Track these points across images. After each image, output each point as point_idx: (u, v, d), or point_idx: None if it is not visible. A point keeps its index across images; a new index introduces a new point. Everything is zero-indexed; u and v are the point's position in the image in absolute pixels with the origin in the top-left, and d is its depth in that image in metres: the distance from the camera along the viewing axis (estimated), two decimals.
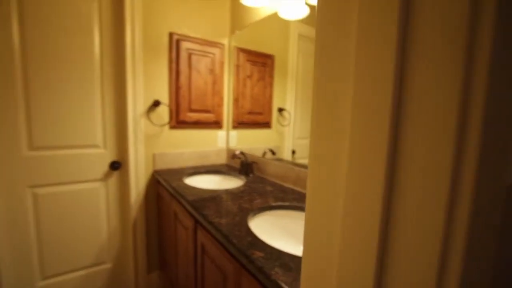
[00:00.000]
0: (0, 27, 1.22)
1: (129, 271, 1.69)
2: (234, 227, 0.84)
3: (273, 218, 1.05)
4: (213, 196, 1.15)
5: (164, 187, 1.50)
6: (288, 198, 1.14)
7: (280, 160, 1.48)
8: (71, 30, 1.39)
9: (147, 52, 1.56)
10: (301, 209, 1.05)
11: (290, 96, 1.50)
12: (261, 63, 1.72)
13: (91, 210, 1.55)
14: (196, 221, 1.06)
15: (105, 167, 1.56)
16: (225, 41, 1.86)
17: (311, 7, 1.26)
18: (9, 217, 1.33)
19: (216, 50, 1.81)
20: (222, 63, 1.84)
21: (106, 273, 1.65)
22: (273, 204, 1.07)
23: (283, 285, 0.56)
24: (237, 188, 1.29)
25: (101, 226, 1.60)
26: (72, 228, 1.51)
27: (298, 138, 1.46)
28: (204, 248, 0.98)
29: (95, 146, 1.52)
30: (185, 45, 1.67)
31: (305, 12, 1.30)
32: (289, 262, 0.65)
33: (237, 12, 1.79)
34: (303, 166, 1.30)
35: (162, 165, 1.68)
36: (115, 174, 1.61)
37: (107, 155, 1.56)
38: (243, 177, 1.54)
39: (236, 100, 1.87)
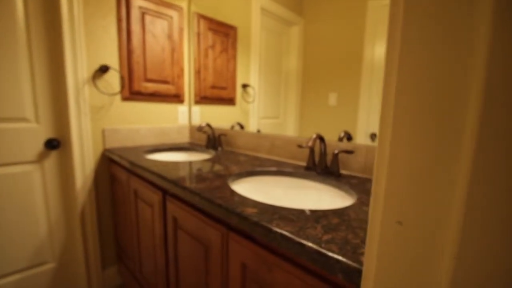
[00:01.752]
0: None
1: (79, 269, 1.44)
2: (215, 190, 0.72)
3: (255, 184, 0.96)
4: (182, 166, 1.00)
5: (119, 165, 1.29)
6: (266, 165, 1.06)
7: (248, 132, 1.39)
8: None
9: (89, 6, 1.29)
10: (283, 174, 0.98)
11: (253, 72, 1.42)
12: (223, 33, 1.58)
13: (22, 200, 1.25)
14: (165, 192, 0.91)
15: (39, 146, 1.27)
16: (183, 4, 1.66)
17: None
18: None
19: (173, 13, 1.60)
20: (181, 29, 1.65)
21: (50, 274, 1.37)
22: (252, 170, 0.98)
23: (288, 234, 0.48)
24: (207, 160, 1.16)
25: (38, 219, 1.31)
26: None
27: (263, 118, 1.39)
28: (177, 222, 0.85)
29: (23, 119, 1.22)
30: (136, 2, 1.43)
31: None
32: (288, 215, 0.57)
33: None
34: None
35: (114, 143, 1.44)
36: (53, 154, 1.32)
37: (41, 131, 1.27)
38: (211, 151, 1.41)
39: (198, 72, 1.71)
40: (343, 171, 0.98)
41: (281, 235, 0.49)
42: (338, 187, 0.84)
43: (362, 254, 0.43)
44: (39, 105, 1.25)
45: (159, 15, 1.53)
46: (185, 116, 1.76)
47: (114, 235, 1.51)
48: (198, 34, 1.67)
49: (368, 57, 0.94)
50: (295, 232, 0.49)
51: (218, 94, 1.62)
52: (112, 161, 1.40)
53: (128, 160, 1.11)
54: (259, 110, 1.38)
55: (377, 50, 0.92)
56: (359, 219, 0.56)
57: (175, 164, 1.03)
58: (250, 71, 1.42)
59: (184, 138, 1.77)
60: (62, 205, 1.38)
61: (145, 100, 1.54)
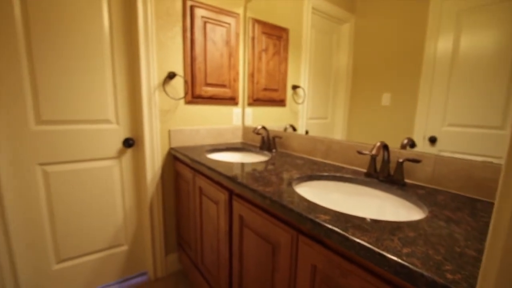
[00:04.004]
0: None
1: (147, 253, 1.63)
2: (282, 194, 0.77)
3: (317, 189, 0.98)
4: (244, 168, 1.07)
5: (184, 163, 1.42)
6: (324, 169, 1.08)
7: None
8: None
9: (160, 19, 1.44)
10: (343, 179, 0.99)
11: (304, 73, 1.43)
12: (276, 36, 1.62)
13: (105, 189, 1.46)
14: (231, 193, 0.99)
15: (118, 144, 1.47)
16: (240, 11, 1.74)
17: None
18: (20, 196, 1.24)
19: (231, 20, 1.69)
20: (237, 35, 1.73)
21: (124, 255, 1.58)
22: (313, 174, 1.00)
23: (368, 245, 0.50)
24: (266, 162, 1.22)
25: (116, 207, 1.52)
26: (86, 208, 1.42)
27: (311, 118, 1.39)
28: (243, 220, 0.92)
29: (107, 121, 1.42)
30: (199, 12, 1.54)
31: None
32: (362, 224, 0.59)
33: None
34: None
35: (178, 143, 1.59)
36: (129, 151, 1.51)
37: (121, 131, 1.46)
38: (266, 152, 1.47)
39: (251, 75, 1.78)
40: (407, 180, 0.95)
41: (360, 244, 0.51)
42: (404, 197, 0.83)
43: (447, 271, 0.43)
44: (119, 109, 1.44)
45: (218, 22, 1.63)
46: (239, 117, 1.85)
47: (176, 225, 1.67)
48: (253, 38, 1.74)
49: (430, 53, 0.89)
50: (373, 242, 0.51)
51: (270, 96, 1.67)
52: (176, 159, 1.55)
53: (194, 159, 1.23)
54: (308, 111, 1.40)
55: (441, 46, 0.86)
56: (437, 234, 0.55)
57: (240, 166, 1.11)
58: (300, 72, 1.44)
59: (237, 138, 1.86)
60: (135, 196, 1.57)
61: (205, 103, 1.66)
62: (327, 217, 0.62)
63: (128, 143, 1.46)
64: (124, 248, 1.58)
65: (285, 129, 1.54)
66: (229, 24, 1.68)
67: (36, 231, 1.30)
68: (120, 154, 1.48)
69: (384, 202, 0.88)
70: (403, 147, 0.98)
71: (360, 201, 0.93)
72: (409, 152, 0.95)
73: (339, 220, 0.60)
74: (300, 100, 1.44)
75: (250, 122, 1.83)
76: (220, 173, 1.01)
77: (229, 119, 1.80)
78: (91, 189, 1.42)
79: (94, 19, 1.31)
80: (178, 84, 1.54)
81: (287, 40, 1.54)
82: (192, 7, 1.52)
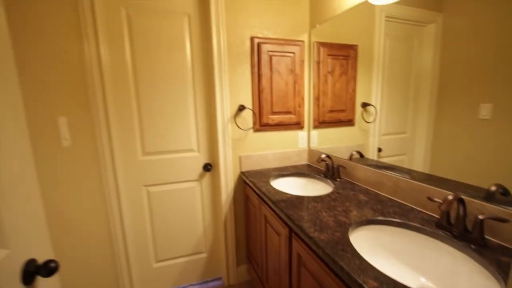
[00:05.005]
0: (117, 48, 1.46)
1: (222, 262, 1.87)
2: (336, 245, 0.80)
3: (374, 235, 0.97)
4: (305, 204, 1.13)
5: (252, 189, 1.57)
6: (388, 211, 1.04)
7: (369, 160, 1.35)
8: (168, 45, 1.55)
9: (231, 59, 1.63)
10: (405, 226, 0.94)
11: (376, 89, 1.35)
12: (343, 56, 1.59)
13: (190, 206, 1.76)
14: (291, 230, 1.07)
15: (199, 168, 1.74)
16: (304, 38, 1.78)
17: None
18: (132, 210, 1.63)
19: (295, 49, 1.75)
20: (302, 62, 1.78)
21: (203, 261, 1.86)
22: (373, 218, 0.98)
23: None
24: (328, 196, 1.24)
25: (198, 220, 1.80)
26: (176, 221, 1.74)
27: (384, 135, 1.31)
28: (301, 259, 0.98)
29: (191, 150, 1.70)
30: (265, 47, 1.67)
31: None
32: None
33: (317, 6, 1.69)
34: (401, 171, 1.15)
35: (247, 167, 1.76)
36: (208, 175, 1.77)
37: (201, 158, 1.73)
38: (329, 181, 1.48)
39: (317, 99, 1.80)
40: (490, 237, 0.83)
41: None
42: (481, 262, 0.73)
43: None
44: (200, 139, 1.71)
45: (283, 54, 1.72)
46: (304, 140, 1.90)
47: (246, 241, 1.85)
48: (318, 62, 1.75)
49: None
50: None
51: (336, 117, 1.66)
52: (246, 182, 1.72)
53: (260, 190, 1.35)
54: (381, 127, 1.32)
55: None
56: None
57: (300, 201, 1.18)
58: (371, 88, 1.38)
59: (303, 160, 1.91)
60: (212, 212, 1.82)
61: (271, 129, 1.79)
62: (375, 284, 0.63)
63: (207, 168, 1.71)
64: (204, 255, 1.86)
65: (351, 156, 1.51)
66: (293, 53, 1.75)
67: (142, 235, 1.68)
68: (200, 177, 1.75)
69: (456, 263, 0.80)
70: (491, 194, 0.85)
71: (426, 257, 0.86)
72: (495, 207, 0.82)
73: None
74: (371, 118, 1.38)
75: (315, 144, 1.85)
76: (281, 210, 1.10)
77: (294, 142, 1.88)
78: (179, 205, 1.74)
79: (180, 60, 1.60)
80: (247, 115, 1.71)
81: (355, 57, 1.51)
82: (259, 44, 1.66)
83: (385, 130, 1.30)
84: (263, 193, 1.31)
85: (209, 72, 1.65)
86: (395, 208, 1.07)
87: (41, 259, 0.73)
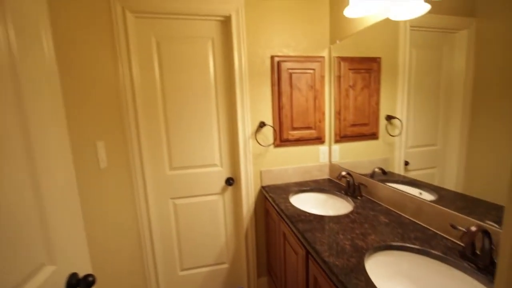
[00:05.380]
0: (148, 71, 1.60)
1: (243, 274, 1.91)
2: (351, 272, 0.81)
3: (392, 261, 0.95)
4: (323, 224, 1.14)
5: (272, 205, 1.61)
6: (409, 236, 1.01)
7: (393, 175, 1.32)
8: (193, 66, 1.66)
9: (252, 78, 1.69)
10: (426, 253, 0.91)
11: (401, 100, 1.32)
12: (365, 69, 1.58)
13: (213, 218, 1.83)
14: (308, 252, 1.08)
15: (222, 182, 1.81)
16: (324, 53, 1.80)
17: (433, 2, 1.05)
18: (160, 221, 1.74)
19: (316, 65, 1.77)
20: (322, 77, 1.80)
21: (225, 272, 1.92)
22: (392, 243, 0.97)
23: None
24: (347, 216, 1.24)
25: (220, 232, 1.87)
26: (200, 231, 1.83)
27: (412, 147, 1.27)
28: (318, 283, 1.00)
29: (214, 165, 1.78)
30: (285, 65, 1.71)
31: (424, 9, 1.10)
32: None
33: (338, 23, 1.69)
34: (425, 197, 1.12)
35: (268, 181, 1.80)
36: (230, 189, 1.84)
37: (224, 173, 1.80)
38: (350, 199, 1.46)
39: (338, 113, 1.79)
40: None
41: None
42: None
43: None
44: (222, 155, 1.78)
45: (303, 71, 1.75)
46: (325, 155, 1.89)
47: (266, 254, 1.88)
48: (339, 77, 1.75)
49: None
50: None
51: (359, 131, 1.64)
52: (266, 198, 1.76)
53: (279, 207, 1.38)
54: (408, 139, 1.28)
55: None
56: None
57: (318, 221, 1.19)
58: (396, 100, 1.35)
59: (324, 174, 1.91)
60: (234, 225, 1.88)
61: (291, 145, 1.81)
62: None
63: (229, 182, 1.78)
64: (226, 266, 1.92)
65: (373, 173, 1.48)
66: (313, 69, 1.77)
67: (168, 245, 1.78)
68: (223, 190, 1.82)
69: None
70: None
71: None
72: None
73: None
74: (396, 131, 1.35)
75: (337, 159, 1.84)
76: (298, 230, 1.12)
77: (315, 157, 1.88)
78: (203, 217, 1.82)
79: (204, 79, 1.69)
80: (267, 131, 1.76)
81: (378, 70, 1.49)
82: (279, 63, 1.70)
83: (412, 143, 1.26)
84: (282, 210, 1.34)
85: (231, 90, 1.73)
86: (417, 232, 1.04)
87: (81, 273, 0.83)
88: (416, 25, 1.19)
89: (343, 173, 1.50)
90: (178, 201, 1.76)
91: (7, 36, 0.61)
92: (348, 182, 1.54)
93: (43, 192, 0.69)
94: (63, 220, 0.77)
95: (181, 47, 1.62)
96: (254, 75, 1.69)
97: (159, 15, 1.54)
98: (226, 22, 1.66)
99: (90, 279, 0.79)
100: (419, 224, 1.12)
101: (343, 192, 1.56)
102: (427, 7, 1.08)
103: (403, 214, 1.22)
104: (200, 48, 1.65)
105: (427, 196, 1.13)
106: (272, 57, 1.70)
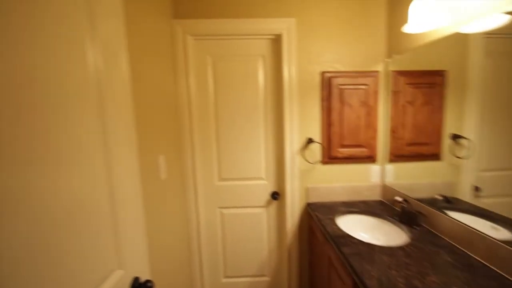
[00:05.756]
0: (203, 86, 1.72)
1: None
2: None
3: None
4: (373, 254, 1.07)
5: (317, 225, 1.57)
6: (478, 284, 0.88)
7: (458, 203, 1.17)
8: (244, 82, 1.73)
9: (301, 94, 1.69)
10: None
11: (471, 117, 1.17)
12: (426, 84, 1.45)
13: (256, 230, 1.87)
14: (355, 283, 1.03)
15: (267, 196, 1.83)
16: (379, 67, 1.70)
17: None
18: (208, 229, 1.84)
19: (369, 80, 1.69)
20: (376, 93, 1.70)
21: (265, 285, 1.93)
22: None
23: None
24: (402, 248, 1.14)
25: (263, 245, 1.88)
26: (243, 241, 1.87)
27: (485, 170, 1.10)
28: None
29: (260, 178, 1.81)
30: (336, 81, 1.67)
31: (501, 21, 0.96)
32: None
33: (396, 37, 1.59)
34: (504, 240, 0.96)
35: (314, 198, 1.76)
36: (274, 203, 1.85)
37: (269, 186, 1.82)
38: (405, 228, 1.34)
39: (393, 131, 1.67)
40: None
41: None
42: None
43: None
44: (269, 169, 1.81)
45: (355, 86, 1.68)
46: (377, 174, 1.78)
47: (308, 273, 1.83)
48: (395, 92, 1.64)
49: None
50: None
51: (417, 151, 1.51)
52: (311, 216, 1.72)
53: (325, 229, 1.34)
54: (480, 161, 1.13)
55: None
56: None
57: (367, 250, 1.12)
58: (464, 118, 1.21)
59: (375, 196, 1.79)
60: (277, 239, 1.88)
61: (340, 162, 1.75)
62: None
63: (274, 196, 1.79)
64: (267, 279, 1.93)
65: (434, 200, 1.34)
66: (366, 84, 1.69)
67: (214, 250, 1.87)
68: (267, 204, 1.84)
69: None
70: None
71: None
72: None
73: None
74: (463, 152, 1.21)
75: (390, 179, 1.71)
76: (345, 257, 1.07)
77: (366, 176, 1.78)
78: (247, 228, 1.86)
79: (254, 94, 1.74)
80: (315, 148, 1.73)
81: (442, 84, 1.36)
82: (329, 79, 1.67)
83: (486, 165, 1.10)
84: (328, 233, 1.30)
85: (280, 106, 1.75)
86: (490, 280, 0.91)
87: (142, 277, 0.92)
88: (490, 32, 1.05)
89: (399, 199, 1.39)
90: (225, 211, 1.84)
91: (95, 57, 0.72)
92: (403, 207, 1.42)
93: (117, 201, 0.80)
94: (130, 226, 0.87)
95: (233, 65, 1.71)
96: (303, 92, 1.69)
97: (215, 37, 1.65)
98: (276, 40, 1.69)
99: (149, 284, 0.87)
100: (493, 270, 0.97)
101: (396, 218, 1.44)
102: (507, 18, 0.95)
103: (472, 255, 1.08)
104: (251, 65, 1.72)
105: (505, 234, 0.97)
106: (322, 73, 1.68)
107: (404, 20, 1.52)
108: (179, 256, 1.64)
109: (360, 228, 1.55)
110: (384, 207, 1.63)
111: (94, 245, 0.68)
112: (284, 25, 1.62)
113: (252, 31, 1.63)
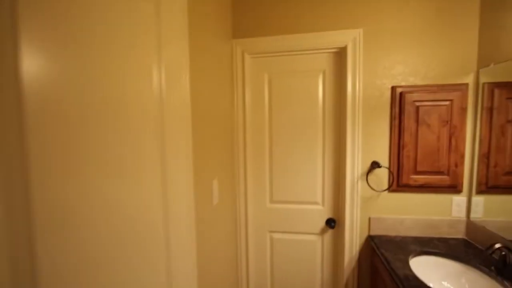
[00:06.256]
0: (258, 105, 1.66)
1: None
2: None
3: None
4: None
5: (384, 266, 1.35)
6: None
7: None
8: (301, 99, 1.61)
9: (366, 112, 1.50)
10: None
11: None
12: None
13: (309, 259, 1.70)
14: None
15: (322, 223, 1.66)
16: (468, 79, 1.41)
17: None
18: (256, 253, 1.75)
19: (454, 95, 1.41)
20: (463, 110, 1.41)
21: None
22: None
23: None
24: None
25: (316, 277, 1.71)
26: (294, 270, 1.73)
27: None
28: None
29: (315, 203, 1.66)
30: (410, 97, 1.43)
31: None
32: None
33: (495, 39, 1.30)
34: None
35: (378, 231, 1.53)
36: (330, 232, 1.67)
37: (324, 212, 1.66)
38: (506, 283, 1.05)
39: (485, 156, 1.36)
40: None
41: None
42: None
43: None
44: (325, 193, 1.64)
45: (435, 102, 1.42)
46: (461, 208, 1.47)
47: None
48: (490, 109, 1.34)
49: None
50: None
51: None
52: (375, 251, 1.50)
53: (395, 272, 1.13)
54: None
55: None
56: None
57: None
58: None
59: (458, 233, 1.48)
60: (332, 272, 1.69)
61: (412, 191, 1.49)
62: None
63: (330, 224, 1.62)
64: None
65: None
66: (450, 100, 1.41)
67: (262, 276, 1.76)
68: (322, 232, 1.67)
69: None
70: None
71: None
72: None
73: None
74: None
75: (479, 215, 1.39)
76: None
77: (446, 209, 1.48)
78: (299, 256, 1.71)
79: (312, 110, 1.61)
80: (381, 173, 1.51)
81: None
82: (402, 94, 1.44)
83: None
84: (400, 280, 1.08)
85: (341, 126, 1.58)
86: None
87: None
88: None
89: (497, 245, 1.10)
90: (275, 235, 1.73)
91: (160, 77, 0.75)
92: (503, 256, 1.12)
93: (170, 224, 0.77)
94: (181, 253, 0.83)
95: (290, 81, 1.61)
96: (368, 109, 1.49)
97: (273, 54, 1.58)
98: (340, 53, 1.54)
99: None
100: None
101: (493, 269, 1.14)
102: None
103: None
104: (310, 81, 1.59)
105: None
106: (393, 88, 1.46)
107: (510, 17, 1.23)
108: (226, 281, 1.59)
109: (440, 274, 1.28)
110: (471, 250, 1.32)
111: (147, 263, 0.69)
112: (349, 37, 1.46)
113: (313, 45, 1.51)
